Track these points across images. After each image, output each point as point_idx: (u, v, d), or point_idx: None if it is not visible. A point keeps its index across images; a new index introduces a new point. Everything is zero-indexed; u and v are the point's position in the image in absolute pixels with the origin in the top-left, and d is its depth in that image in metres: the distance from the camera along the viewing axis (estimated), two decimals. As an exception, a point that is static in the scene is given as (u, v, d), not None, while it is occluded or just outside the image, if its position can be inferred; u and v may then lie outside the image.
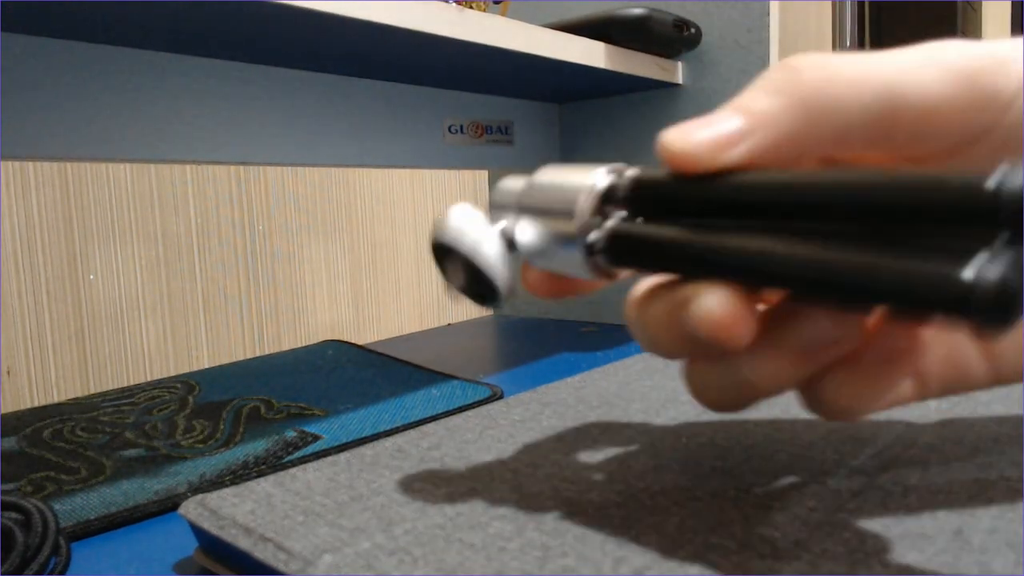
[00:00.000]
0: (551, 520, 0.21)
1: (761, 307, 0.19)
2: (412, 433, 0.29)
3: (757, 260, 0.17)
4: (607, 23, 0.55)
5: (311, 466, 0.26)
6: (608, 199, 0.20)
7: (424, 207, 1.16)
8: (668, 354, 0.20)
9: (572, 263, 0.20)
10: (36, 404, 0.60)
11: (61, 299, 0.76)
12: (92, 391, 0.77)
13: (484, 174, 1.16)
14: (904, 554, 0.18)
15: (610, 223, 0.20)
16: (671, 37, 0.58)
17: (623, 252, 0.20)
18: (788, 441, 0.26)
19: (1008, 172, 0.14)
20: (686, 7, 0.61)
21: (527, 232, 0.21)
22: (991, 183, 0.14)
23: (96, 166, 0.79)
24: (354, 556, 0.19)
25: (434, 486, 0.23)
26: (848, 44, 1.80)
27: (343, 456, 0.27)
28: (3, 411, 0.43)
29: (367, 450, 0.27)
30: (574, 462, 0.25)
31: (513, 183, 0.23)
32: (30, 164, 0.74)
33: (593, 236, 0.20)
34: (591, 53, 0.53)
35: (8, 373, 0.72)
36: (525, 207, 0.21)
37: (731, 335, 0.17)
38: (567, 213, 0.20)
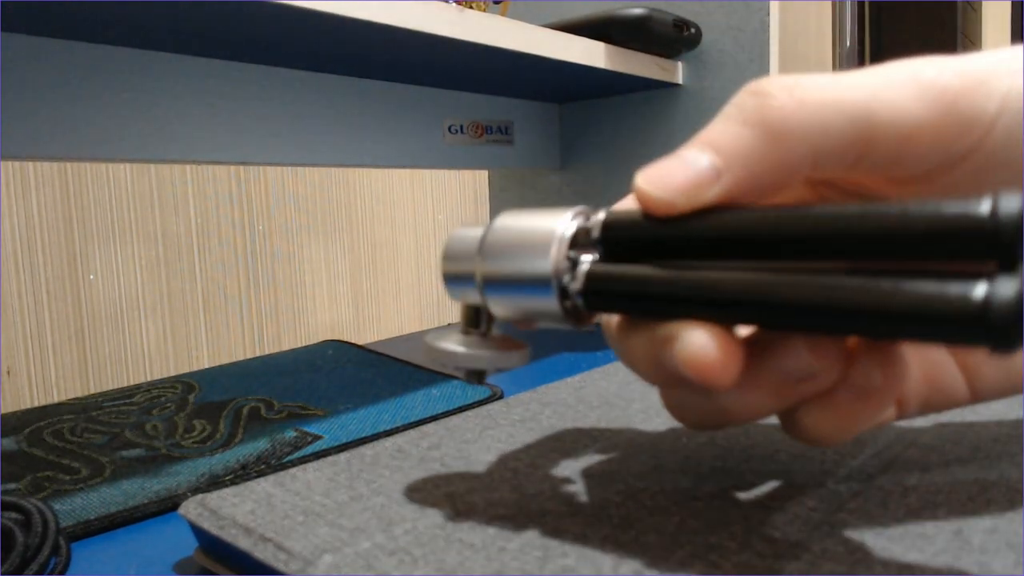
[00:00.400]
0: (551, 520, 0.21)
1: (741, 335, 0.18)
2: (412, 433, 0.29)
3: (749, 298, 0.16)
4: (607, 23, 0.55)
5: (311, 466, 0.26)
6: (574, 244, 0.19)
7: (424, 207, 1.16)
8: (649, 382, 0.19)
9: (546, 311, 0.20)
10: (36, 404, 0.60)
11: (61, 299, 0.76)
12: (92, 391, 0.77)
13: (484, 174, 1.16)
14: (904, 554, 0.18)
15: (584, 266, 0.19)
16: (671, 37, 0.58)
17: (601, 294, 0.19)
18: (788, 441, 0.26)
19: (1002, 198, 0.14)
20: (686, 7, 0.61)
21: (499, 306, 0.21)
22: (986, 209, 0.14)
23: (96, 166, 0.79)
24: (354, 556, 0.19)
25: (434, 486, 0.23)
26: (848, 44, 1.80)
27: (343, 456, 0.27)
28: (3, 411, 0.43)
29: (367, 450, 0.27)
30: (574, 462, 0.25)
31: (470, 232, 0.22)
32: (30, 164, 0.74)
33: (566, 280, 0.19)
34: (591, 53, 0.53)
35: (8, 373, 0.72)
36: (490, 255, 0.20)
37: (719, 376, 0.16)
38: (539, 260, 0.19)
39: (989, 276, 0.14)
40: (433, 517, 0.21)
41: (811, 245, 0.16)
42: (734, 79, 0.60)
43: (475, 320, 0.22)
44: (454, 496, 0.23)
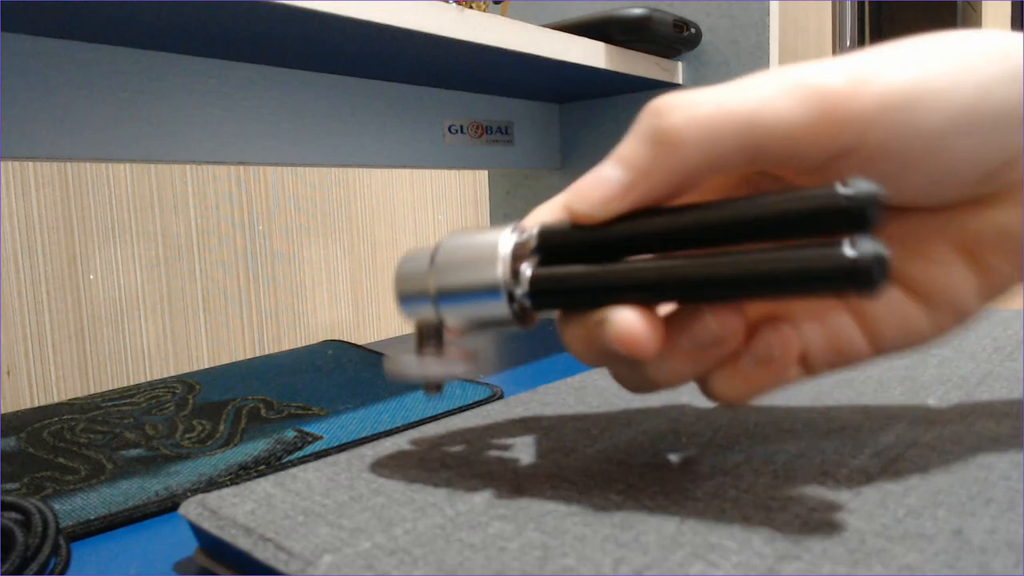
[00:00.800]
0: (551, 520, 0.21)
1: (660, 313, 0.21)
2: (412, 433, 0.29)
3: (663, 279, 0.20)
4: (607, 23, 0.55)
5: (311, 466, 0.26)
6: (515, 255, 0.22)
7: (424, 207, 1.16)
8: (588, 364, 0.22)
9: (496, 315, 0.22)
10: (36, 404, 0.60)
11: (61, 299, 0.76)
12: (92, 391, 0.78)
13: (484, 174, 1.16)
14: (904, 554, 0.18)
15: (526, 272, 0.22)
16: (671, 37, 0.58)
17: (546, 293, 0.22)
18: (788, 441, 0.26)
19: (853, 182, 0.18)
20: (686, 7, 0.61)
21: (452, 316, 0.23)
22: (843, 191, 0.18)
23: (96, 166, 0.79)
24: (354, 556, 0.19)
25: (434, 486, 0.23)
26: (848, 44, 1.80)
27: (343, 456, 0.27)
28: (3, 411, 0.43)
29: (367, 450, 0.27)
30: (574, 462, 0.25)
31: (418, 256, 0.24)
32: (30, 164, 0.74)
33: (512, 286, 0.22)
34: (591, 53, 0.53)
35: (8, 373, 0.72)
36: (443, 270, 0.23)
37: (642, 348, 0.20)
38: (488, 270, 0.22)
39: (849, 241, 0.18)
40: (433, 517, 0.21)
41: (710, 234, 0.20)
42: (734, 79, 0.60)
43: (427, 337, 0.24)
44: (454, 496, 0.23)
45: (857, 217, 0.18)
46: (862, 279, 0.17)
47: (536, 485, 0.23)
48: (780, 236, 0.19)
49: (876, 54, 0.20)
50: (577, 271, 0.21)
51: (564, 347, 0.22)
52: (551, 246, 0.22)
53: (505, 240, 0.22)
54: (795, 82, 0.19)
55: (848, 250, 0.18)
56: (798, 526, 0.20)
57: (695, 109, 0.20)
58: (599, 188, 0.21)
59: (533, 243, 0.22)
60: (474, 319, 0.23)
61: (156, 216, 0.84)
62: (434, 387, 0.24)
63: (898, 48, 0.20)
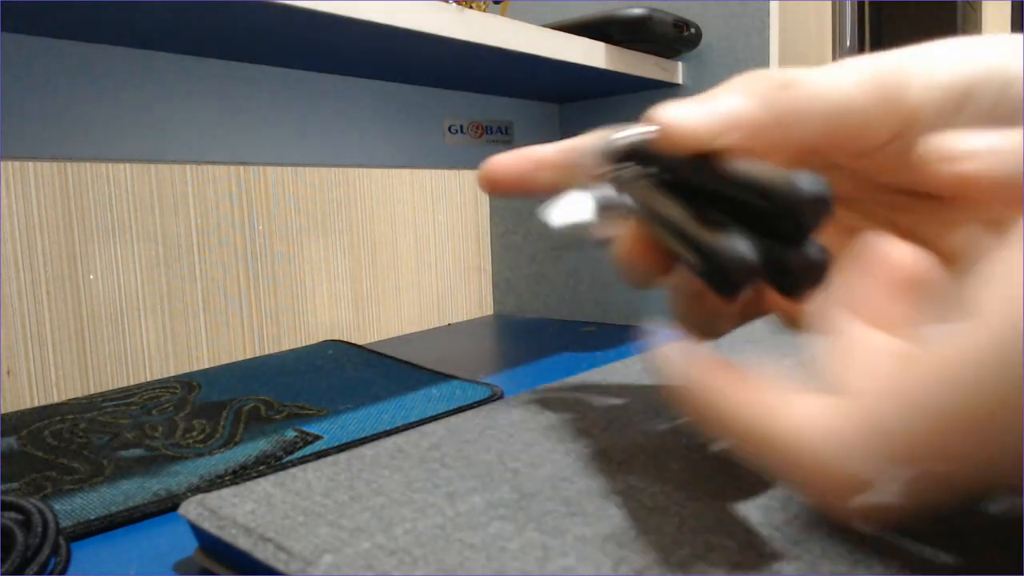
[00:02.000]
0: (551, 520, 0.21)
1: None
2: (412, 433, 0.29)
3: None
4: (607, 23, 0.55)
5: (311, 466, 0.26)
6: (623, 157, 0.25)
7: (424, 207, 1.16)
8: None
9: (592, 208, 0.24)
10: (36, 404, 0.60)
11: (61, 299, 0.76)
12: (92, 391, 0.78)
13: (484, 174, 1.15)
14: (904, 554, 0.18)
15: (627, 173, 0.25)
16: (671, 37, 0.58)
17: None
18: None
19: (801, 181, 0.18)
20: (686, 7, 0.61)
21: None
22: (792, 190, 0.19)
23: (96, 166, 0.79)
24: (354, 556, 0.19)
25: (434, 486, 0.23)
26: (848, 44, 1.80)
27: (343, 456, 0.27)
28: (3, 411, 0.43)
29: (367, 450, 0.27)
30: (574, 462, 0.25)
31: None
32: (30, 164, 0.74)
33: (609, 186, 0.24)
34: (591, 53, 0.53)
35: (8, 373, 0.72)
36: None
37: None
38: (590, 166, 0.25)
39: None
40: (433, 517, 0.21)
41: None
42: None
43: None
44: (454, 496, 0.23)
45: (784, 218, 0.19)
46: (715, 277, 0.19)
47: (536, 485, 0.23)
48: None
49: (917, 50, 0.22)
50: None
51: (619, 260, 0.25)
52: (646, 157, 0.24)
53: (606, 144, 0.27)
54: (854, 67, 0.22)
55: (728, 244, 0.19)
56: (798, 526, 0.20)
57: (810, 88, 0.22)
58: (709, 114, 0.22)
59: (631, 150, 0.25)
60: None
61: (156, 216, 0.84)
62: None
63: (946, 43, 0.22)
